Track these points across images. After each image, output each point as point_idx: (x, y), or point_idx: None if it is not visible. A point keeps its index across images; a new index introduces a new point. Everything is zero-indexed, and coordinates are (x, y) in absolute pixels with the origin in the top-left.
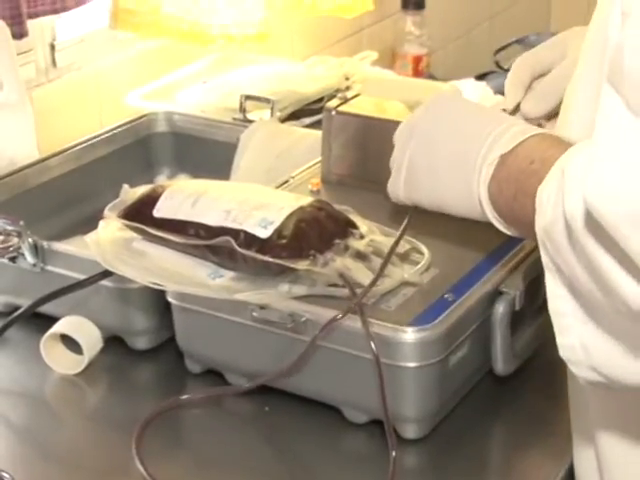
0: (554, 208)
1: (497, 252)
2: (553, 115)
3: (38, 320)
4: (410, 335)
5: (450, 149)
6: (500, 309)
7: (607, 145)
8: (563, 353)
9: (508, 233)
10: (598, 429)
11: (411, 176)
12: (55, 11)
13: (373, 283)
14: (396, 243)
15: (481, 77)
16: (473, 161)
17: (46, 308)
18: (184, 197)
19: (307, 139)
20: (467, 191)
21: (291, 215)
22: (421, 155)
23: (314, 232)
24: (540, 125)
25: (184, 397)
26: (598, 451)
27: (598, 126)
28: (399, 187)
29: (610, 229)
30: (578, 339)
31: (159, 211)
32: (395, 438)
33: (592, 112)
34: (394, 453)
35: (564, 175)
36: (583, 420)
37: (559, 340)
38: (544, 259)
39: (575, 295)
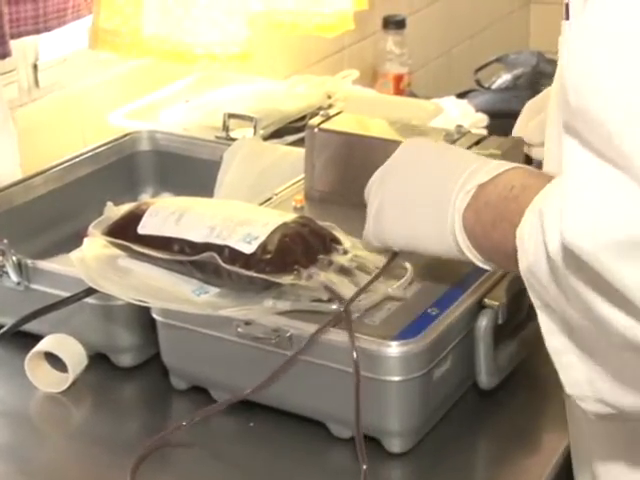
0: (535, 247)
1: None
2: None
3: (22, 338)
4: (394, 349)
5: (424, 185)
6: (483, 322)
7: (574, 181)
8: (570, 390)
9: (483, 266)
10: (597, 458)
11: (384, 218)
12: (38, 31)
13: (360, 292)
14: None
15: (462, 95)
16: (449, 193)
17: (30, 326)
18: (168, 214)
19: (290, 156)
20: (440, 223)
21: (275, 230)
22: (393, 196)
23: (298, 247)
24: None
25: (176, 425)
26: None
27: (564, 163)
28: (370, 231)
29: (592, 263)
30: (583, 375)
31: (143, 228)
32: (365, 452)
33: (558, 147)
34: (365, 467)
35: (543, 214)
36: (583, 450)
37: (563, 378)
38: (533, 298)
39: (569, 332)
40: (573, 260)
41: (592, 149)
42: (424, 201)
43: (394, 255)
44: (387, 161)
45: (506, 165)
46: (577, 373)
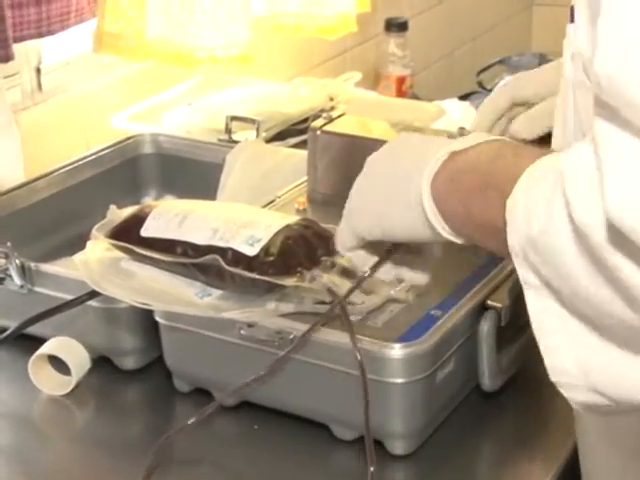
0: (548, 217)
1: (482, 268)
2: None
3: (26, 341)
4: (397, 351)
5: (393, 169)
6: (486, 324)
7: (614, 158)
8: (554, 377)
9: (452, 239)
10: (606, 463)
11: (354, 208)
12: (41, 35)
13: (354, 288)
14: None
15: (464, 97)
16: (419, 168)
17: (34, 329)
18: (171, 216)
19: (293, 159)
20: (407, 197)
21: (278, 233)
22: (363, 185)
23: (301, 249)
24: None
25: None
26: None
27: (600, 143)
28: (343, 226)
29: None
30: (572, 359)
31: (146, 230)
32: (374, 453)
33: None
34: (372, 469)
35: (565, 185)
36: (591, 454)
37: (548, 362)
38: (522, 273)
39: (568, 309)
40: (616, 237)
41: (632, 130)
42: (391, 183)
43: (388, 252)
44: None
45: (485, 136)
46: (566, 358)
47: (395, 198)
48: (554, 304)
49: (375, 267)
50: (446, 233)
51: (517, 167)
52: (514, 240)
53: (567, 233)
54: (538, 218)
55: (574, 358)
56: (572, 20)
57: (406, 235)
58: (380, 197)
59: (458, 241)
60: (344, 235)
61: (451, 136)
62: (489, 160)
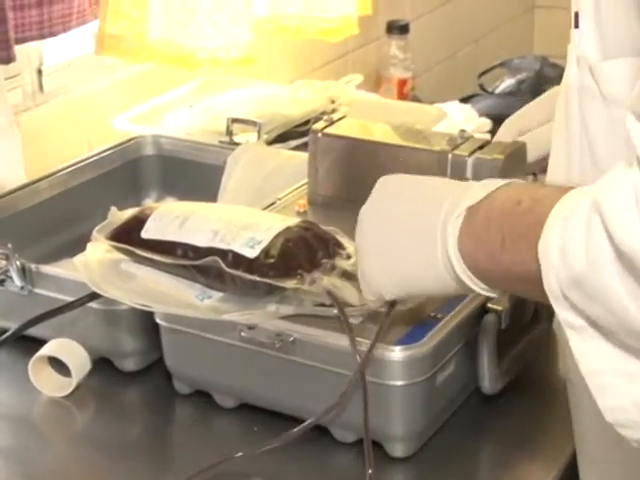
0: (589, 252)
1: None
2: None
3: (26, 343)
4: (397, 354)
5: (404, 222)
6: (486, 327)
7: None
8: (611, 416)
9: (485, 294)
10: (605, 467)
11: (369, 267)
12: (42, 36)
13: (372, 348)
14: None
15: (465, 100)
16: (433, 224)
17: (34, 331)
18: (172, 218)
19: (294, 161)
20: (430, 257)
21: (279, 235)
22: (373, 240)
23: (301, 252)
24: (535, 176)
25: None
26: None
27: None
28: (362, 286)
29: None
30: (628, 396)
31: (147, 232)
32: (373, 456)
33: (566, 157)
34: (370, 471)
35: (606, 217)
36: (590, 458)
37: (602, 403)
38: (563, 315)
39: (618, 346)
40: None
41: None
42: (407, 239)
43: (392, 305)
44: (363, 205)
45: (499, 181)
46: (621, 397)
47: (416, 259)
48: (602, 343)
49: (393, 306)
50: (479, 289)
51: (540, 213)
52: (551, 283)
53: (614, 267)
54: (578, 257)
55: (630, 395)
56: (577, 25)
57: (431, 293)
58: (397, 258)
59: (493, 294)
60: (364, 296)
61: (452, 139)
62: (510, 211)
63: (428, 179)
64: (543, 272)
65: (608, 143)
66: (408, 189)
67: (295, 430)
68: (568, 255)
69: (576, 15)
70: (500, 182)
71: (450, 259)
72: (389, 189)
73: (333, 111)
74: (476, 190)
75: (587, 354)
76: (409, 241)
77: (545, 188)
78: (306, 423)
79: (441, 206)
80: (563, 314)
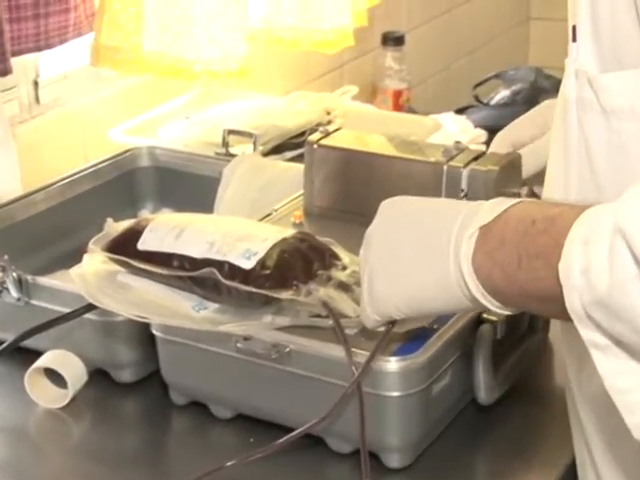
0: (613, 273)
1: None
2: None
3: (22, 354)
4: (393, 364)
5: (413, 241)
6: (482, 337)
7: None
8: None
9: (499, 311)
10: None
11: (377, 286)
12: (39, 49)
13: (369, 362)
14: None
15: (461, 111)
16: (444, 244)
17: (30, 342)
18: (168, 230)
19: (289, 172)
20: (442, 277)
21: (274, 246)
22: (382, 259)
23: (297, 263)
24: (532, 190)
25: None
26: None
27: None
28: (367, 305)
29: None
30: None
31: (143, 244)
32: (369, 467)
33: (564, 170)
34: None
35: (630, 238)
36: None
37: (630, 420)
38: (587, 334)
39: None
40: None
41: None
42: (417, 258)
43: (391, 325)
44: (369, 227)
45: (503, 202)
46: None
47: (428, 279)
48: (628, 361)
49: (392, 324)
50: (493, 306)
51: (556, 233)
52: (575, 304)
53: (634, 282)
54: (602, 278)
55: None
56: (574, 39)
57: (441, 311)
58: (408, 279)
59: (507, 312)
60: (368, 316)
61: (447, 150)
62: (525, 231)
63: (432, 200)
64: (565, 293)
65: (607, 154)
66: (414, 210)
67: (284, 439)
68: (592, 276)
69: (574, 29)
70: (510, 201)
71: (464, 278)
72: (394, 211)
73: (329, 122)
74: (486, 210)
75: (612, 373)
76: (420, 261)
77: (558, 207)
78: (295, 432)
79: (451, 226)
80: (588, 334)
